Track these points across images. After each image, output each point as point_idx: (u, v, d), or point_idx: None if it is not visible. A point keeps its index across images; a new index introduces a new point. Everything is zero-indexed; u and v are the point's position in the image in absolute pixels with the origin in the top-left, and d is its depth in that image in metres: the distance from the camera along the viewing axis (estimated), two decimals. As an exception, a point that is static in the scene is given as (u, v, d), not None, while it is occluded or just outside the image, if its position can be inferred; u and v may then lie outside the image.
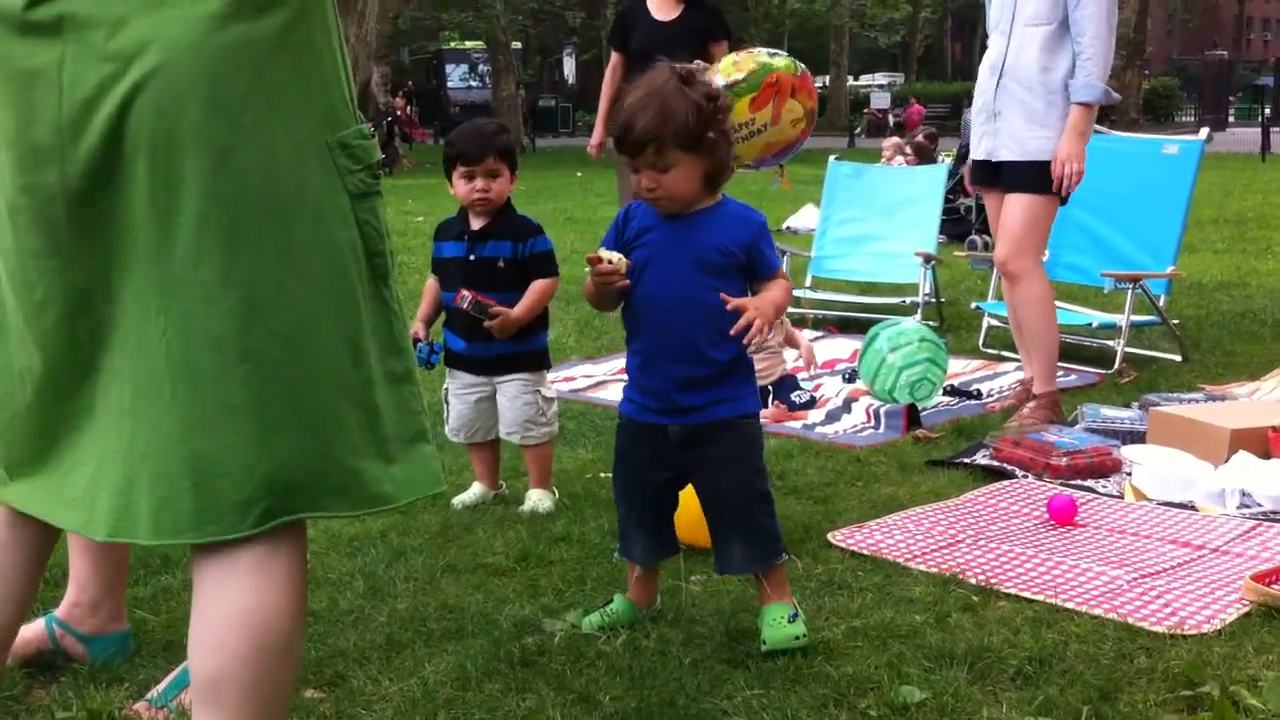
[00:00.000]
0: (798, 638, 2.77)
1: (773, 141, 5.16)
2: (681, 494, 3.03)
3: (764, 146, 5.15)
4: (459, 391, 3.95)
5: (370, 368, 1.81)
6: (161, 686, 2.55)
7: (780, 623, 2.80)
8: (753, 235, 2.83)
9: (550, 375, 4.19)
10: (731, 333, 2.69)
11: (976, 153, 5.14)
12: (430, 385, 5.58)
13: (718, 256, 2.80)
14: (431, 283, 4.01)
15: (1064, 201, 4.96)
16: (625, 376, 3.00)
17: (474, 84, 44.14)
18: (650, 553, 3.00)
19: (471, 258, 3.84)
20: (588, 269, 2.80)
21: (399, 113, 29.21)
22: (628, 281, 2.81)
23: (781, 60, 5.17)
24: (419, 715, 2.52)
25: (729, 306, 2.71)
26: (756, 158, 5.25)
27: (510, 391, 3.88)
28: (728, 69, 5.11)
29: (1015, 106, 4.91)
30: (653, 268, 2.81)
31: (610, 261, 2.78)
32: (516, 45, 41.11)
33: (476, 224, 3.85)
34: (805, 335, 5.63)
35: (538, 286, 3.81)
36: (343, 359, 1.79)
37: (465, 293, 3.75)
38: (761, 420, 4.90)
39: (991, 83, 5.00)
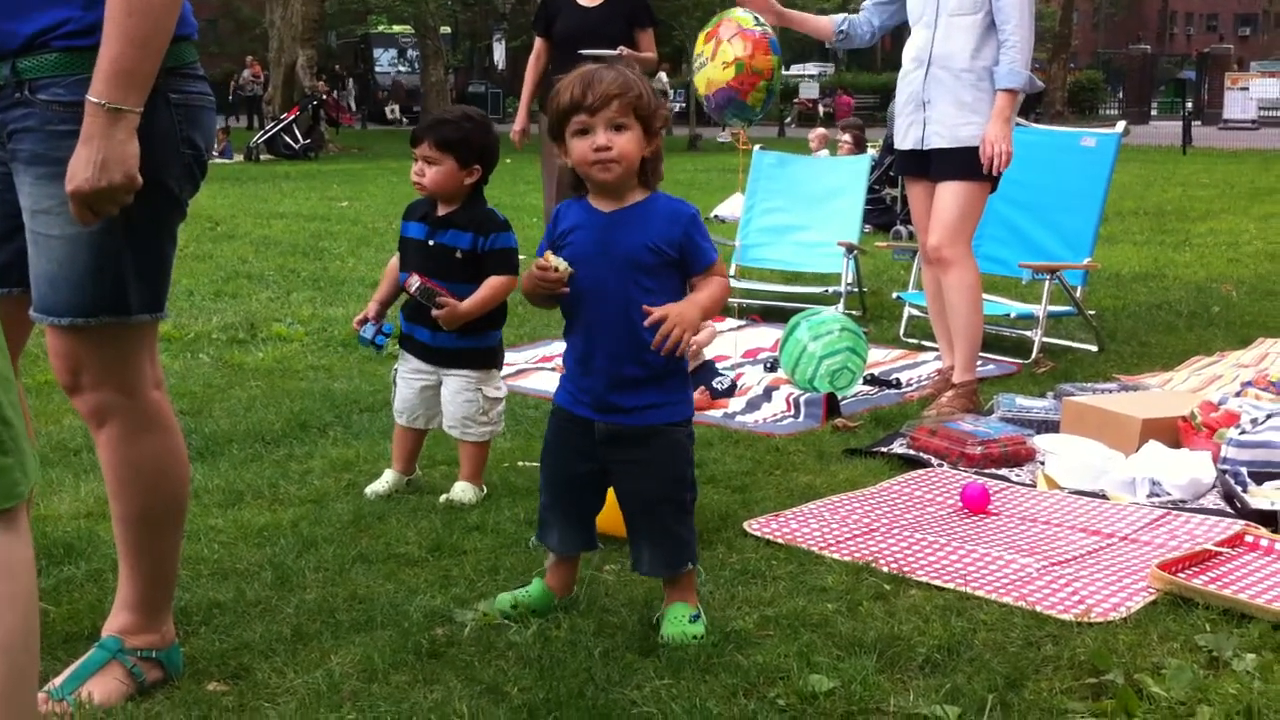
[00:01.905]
0: (696, 637, 2.77)
1: (711, 80, 5.37)
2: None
3: (706, 83, 5.40)
4: (406, 375, 3.90)
5: None
6: (61, 679, 2.50)
7: (681, 620, 2.80)
8: (684, 230, 2.78)
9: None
10: (652, 346, 2.68)
11: (903, 143, 5.18)
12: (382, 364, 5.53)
13: (648, 255, 2.76)
14: (393, 262, 3.95)
15: (994, 187, 5.03)
16: (546, 364, 2.97)
17: (402, 69, 43.79)
18: (567, 542, 2.97)
19: (430, 243, 3.78)
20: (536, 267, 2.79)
21: (325, 96, 28.90)
22: (567, 290, 2.78)
23: (747, 17, 5.37)
24: (324, 708, 2.48)
25: (647, 322, 2.68)
26: (705, 94, 5.50)
27: (453, 386, 3.83)
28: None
29: (944, 95, 4.97)
30: (582, 268, 2.78)
31: (557, 269, 2.75)
32: (446, 30, 40.82)
33: (441, 210, 3.79)
34: (727, 323, 5.62)
35: (492, 283, 3.73)
36: None
37: (415, 277, 3.70)
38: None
39: (919, 73, 5.04)
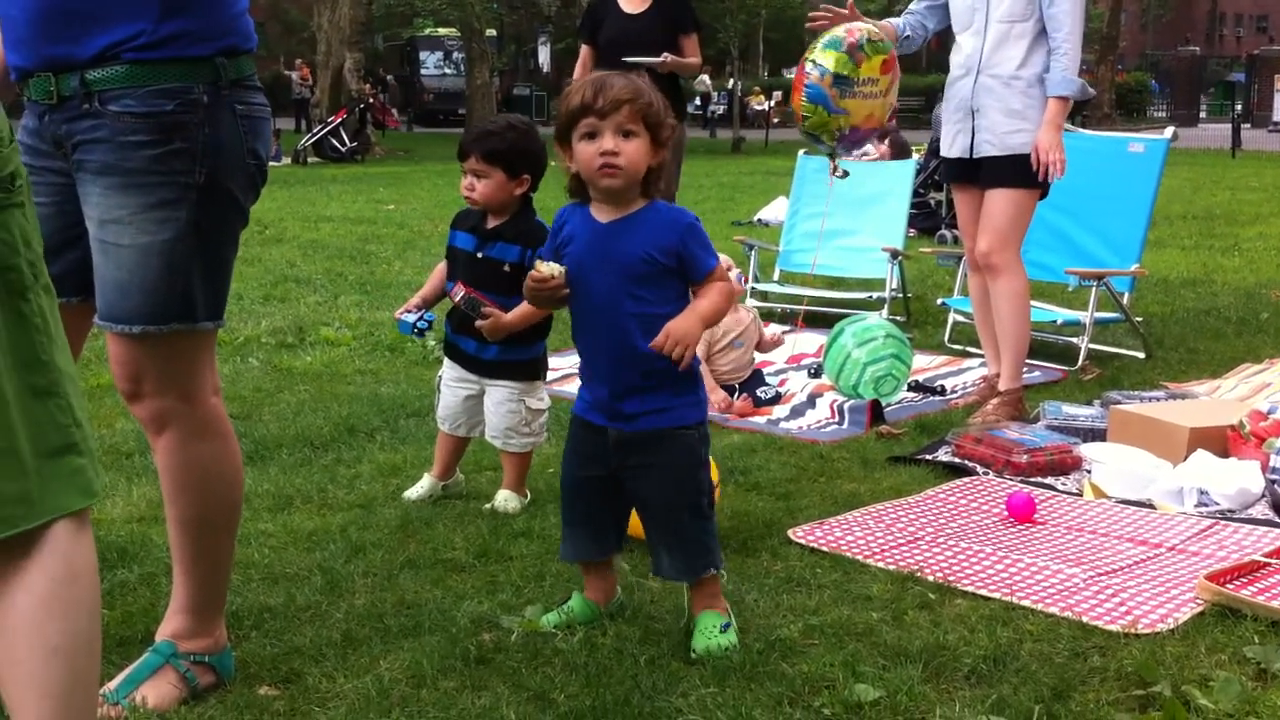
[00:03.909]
0: (727, 648, 2.77)
1: (874, 114, 4.97)
2: None
3: (866, 115, 4.94)
4: (450, 383, 3.93)
5: (1, 387, 1.74)
6: (116, 683, 2.54)
7: (712, 631, 2.81)
8: (680, 238, 2.77)
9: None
10: (660, 365, 2.71)
11: (950, 151, 5.17)
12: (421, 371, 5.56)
13: (644, 266, 2.76)
14: (441, 266, 3.97)
15: (1044, 194, 5.01)
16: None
17: (448, 71, 43.94)
18: (580, 550, 2.98)
19: (479, 255, 3.79)
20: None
21: (372, 99, 29.07)
22: (567, 290, 2.80)
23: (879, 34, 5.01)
24: (373, 713, 2.51)
25: (651, 347, 2.69)
26: (854, 126, 4.94)
27: (496, 396, 3.85)
28: (865, 29, 4.92)
29: (994, 103, 4.97)
30: (579, 277, 2.79)
31: (553, 276, 2.77)
32: (491, 33, 40.94)
33: (491, 222, 3.80)
34: (773, 329, 5.62)
35: None
36: None
37: (460, 287, 3.73)
38: (726, 415, 4.96)
39: (968, 81, 5.04)
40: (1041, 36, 4.91)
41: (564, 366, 5.68)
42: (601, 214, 2.81)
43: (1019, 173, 4.93)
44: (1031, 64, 4.92)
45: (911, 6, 5.42)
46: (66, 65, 2.37)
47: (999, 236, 5.01)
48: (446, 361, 3.96)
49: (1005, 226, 5.00)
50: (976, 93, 5.01)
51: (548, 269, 2.78)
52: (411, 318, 3.89)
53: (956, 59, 5.13)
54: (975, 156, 5.04)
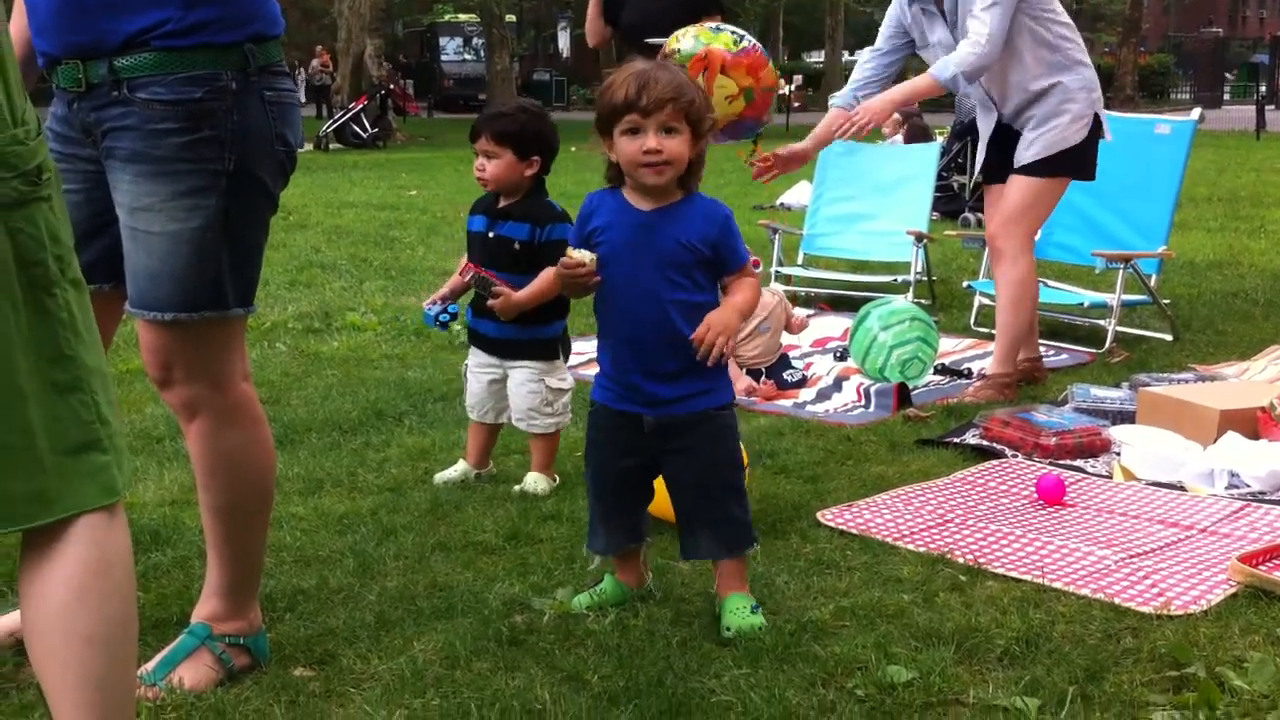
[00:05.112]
0: (759, 627, 2.79)
1: (723, 117, 4.69)
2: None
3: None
4: (475, 369, 3.95)
5: (18, 382, 1.75)
6: (152, 665, 2.56)
7: (743, 612, 2.82)
8: (720, 230, 2.81)
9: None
10: (697, 358, 2.73)
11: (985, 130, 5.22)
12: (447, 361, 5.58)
13: (684, 254, 2.79)
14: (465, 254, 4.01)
15: (1086, 175, 5.07)
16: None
17: (468, 57, 43.94)
18: (613, 544, 3.00)
19: (490, 235, 3.83)
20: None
21: (392, 86, 29.09)
22: (599, 278, 2.82)
23: (723, 36, 4.86)
24: (408, 693, 2.52)
25: (692, 341, 2.72)
26: (716, 133, 5.00)
27: (518, 378, 3.87)
28: (673, 39, 4.93)
29: (1026, 122, 5.02)
30: (616, 265, 2.81)
31: (585, 264, 2.79)
32: (511, 18, 40.90)
33: (502, 203, 3.84)
34: (798, 313, 5.62)
35: (548, 274, 3.75)
36: None
37: (470, 266, 3.75)
38: (753, 399, 4.96)
39: (994, 114, 5.14)
40: (1031, 44, 4.90)
41: (589, 351, 5.69)
42: (640, 202, 2.83)
43: (1040, 164, 4.95)
44: (1041, 73, 4.93)
45: (854, 77, 5.32)
46: (94, 52, 2.37)
47: (1005, 221, 5.05)
48: (471, 348, 3.98)
49: (1014, 211, 5.02)
50: (1009, 119, 5.08)
51: (579, 255, 2.80)
52: (435, 310, 3.91)
53: (975, 96, 5.16)
54: (1015, 166, 5.05)
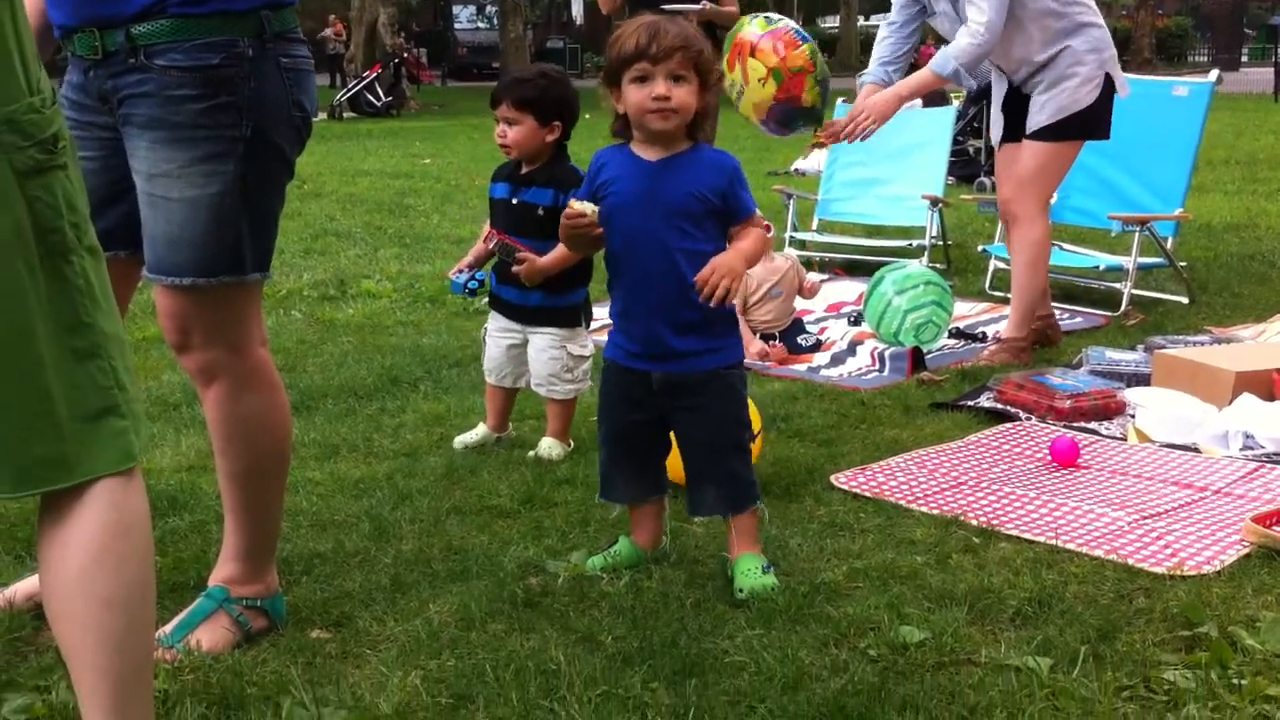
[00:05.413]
0: (771, 587, 2.80)
1: (757, 102, 4.74)
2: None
3: (752, 108, 4.79)
4: (494, 334, 3.96)
5: (38, 349, 1.76)
6: (170, 627, 2.58)
7: (755, 572, 2.83)
8: (728, 180, 2.84)
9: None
10: (700, 299, 2.73)
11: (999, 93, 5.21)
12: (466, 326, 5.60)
13: (693, 203, 2.81)
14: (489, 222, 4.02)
15: (1101, 134, 5.05)
16: (620, 320, 3.00)
17: (481, 25, 43.79)
18: (631, 493, 3.02)
19: (514, 201, 3.84)
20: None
21: (406, 54, 29.02)
22: (600, 229, 2.83)
23: (754, 22, 4.75)
24: (424, 655, 2.54)
25: (696, 282, 2.72)
26: (757, 120, 4.83)
27: (539, 344, 3.88)
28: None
29: (1038, 87, 5.00)
30: (624, 216, 2.83)
31: (585, 214, 2.81)
32: (524, -14, 40.72)
33: (525, 169, 3.85)
34: (812, 278, 5.61)
35: None
36: None
37: (494, 233, 3.76)
38: (766, 363, 4.96)
39: (1005, 82, 5.15)
40: (1033, 17, 4.87)
41: (605, 316, 5.69)
42: (648, 153, 2.85)
43: (1054, 128, 4.94)
44: (1047, 41, 4.90)
45: (878, 54, 5.32)
46: (111, 21, 2.37)
47: (1020, 185, 5.05)
48: (491, 313, 3.98)
49: (1028, 176, 5.02)
50: (1021, 86, 5.06)
51: (581, 206, 2.82)
52: (463, 278, 3.92)
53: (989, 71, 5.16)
54: (1027, 132, 5.03)
